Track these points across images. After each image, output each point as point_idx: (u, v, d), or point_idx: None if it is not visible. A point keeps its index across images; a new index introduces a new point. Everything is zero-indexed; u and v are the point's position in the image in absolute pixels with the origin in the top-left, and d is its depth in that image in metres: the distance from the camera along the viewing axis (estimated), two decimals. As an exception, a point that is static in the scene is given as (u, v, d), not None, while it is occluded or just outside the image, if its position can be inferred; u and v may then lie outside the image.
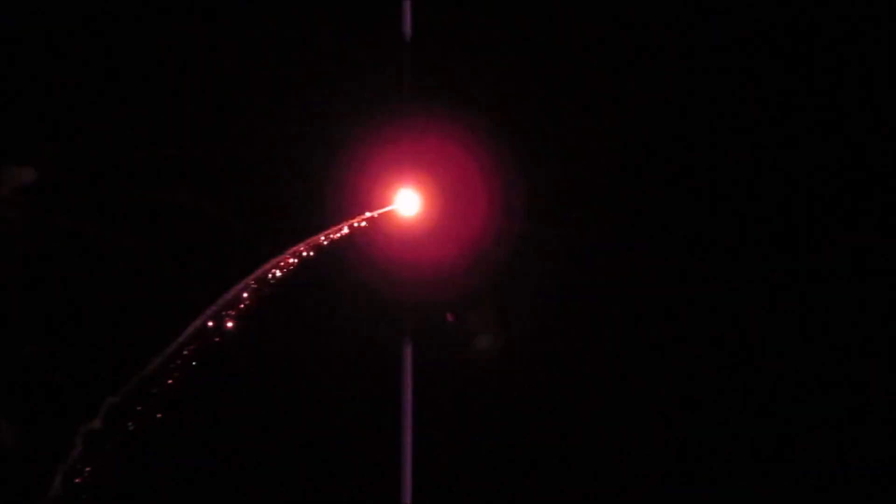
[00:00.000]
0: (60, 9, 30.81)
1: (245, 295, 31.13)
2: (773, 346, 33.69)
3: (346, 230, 32.44)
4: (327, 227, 32.17)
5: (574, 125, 35.04)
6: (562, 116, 35.44)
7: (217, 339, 30.85)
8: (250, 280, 31.30)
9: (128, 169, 31.35)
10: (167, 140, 31.75)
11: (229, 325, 30.85)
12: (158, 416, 30.05)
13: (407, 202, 33.62)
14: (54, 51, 30.81)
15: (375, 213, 32.80)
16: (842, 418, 32.55)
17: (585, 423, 33.36)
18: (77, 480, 29.22)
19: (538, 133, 35.91)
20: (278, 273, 31.66)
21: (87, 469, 29.29)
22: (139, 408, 29.79)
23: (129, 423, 29.63)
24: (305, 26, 32.79)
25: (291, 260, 31.72)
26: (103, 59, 31.03)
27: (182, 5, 31.67)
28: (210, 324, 30.83)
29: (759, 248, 34.21)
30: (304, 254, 31.92)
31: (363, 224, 32.59)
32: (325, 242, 32.20)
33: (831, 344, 33.36)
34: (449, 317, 37.07)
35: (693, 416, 33.24)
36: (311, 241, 32.01)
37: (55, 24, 30.89)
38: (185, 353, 30.41)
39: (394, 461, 33.02)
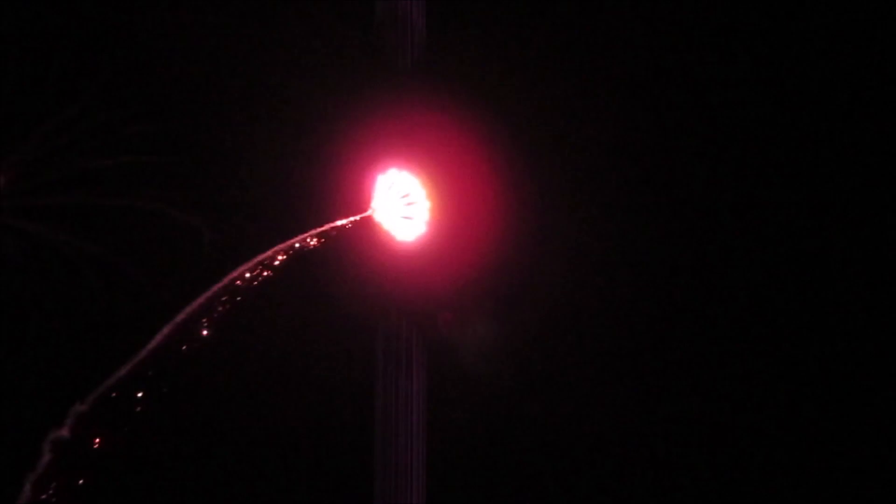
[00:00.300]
0: (24, 17, 30.44)
1: (214, 304, 30.71)
2: (784, 348, 33.56)
3: (318, 236, 31.92)
4: (299, 233, 31.66)
5: (580, 127, 34.81)
6: (566, 118, 35.04)
7: (186, 349, 30.49)
8: (220, 288, 30.86)
9: (95, 175, 30.85)
10: (136, 146, 31.16)
11: (201, 333, 30.59)
12: (126, 429, 29.83)
13: (385, 208, 33.19)
14: (19, 58, 30.44)
15: (349, 220, 32.27)
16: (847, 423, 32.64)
17: (586, 422, 33.68)
18: (43, 497, 29.06)
19: (538, 135, 35.26)
20: (250, 279, 31.22)
21: (54, 485, 29.12)
22: (107, 421, 29.63)
23: (97, 438, 29.53)
24: (281, 29, 32.35)
25: (262, 267, 31.23)
26: (69, 67, 30.45)
27: (149, 10, 31.26)
28: (180, 332, 30.50)
29: (766, 252, 34.08)
30: (276, 261, 31.44)
31: (337, 230, 32.08)
32: (296, 249, 31.68)
33: (837, 346, 33.18)
34: (446, 316, 36.64)
35: (700, 415, 33.32)
36: (282, 247, 31.50)
37: (18, 33, 30.46)
38: (154, 364, 30.10)
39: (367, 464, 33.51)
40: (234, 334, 31.33)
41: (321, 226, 31.91)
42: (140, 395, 30.24)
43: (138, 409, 30.26)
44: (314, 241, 31.85)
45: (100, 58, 30.83)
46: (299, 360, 33.04)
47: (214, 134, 32.02)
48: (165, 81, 31.51)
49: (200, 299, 30.81)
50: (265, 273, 31.34)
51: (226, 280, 30.95)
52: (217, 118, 32.14)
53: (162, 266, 31.61)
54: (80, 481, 29.83)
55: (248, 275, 31.24)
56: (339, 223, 32.23)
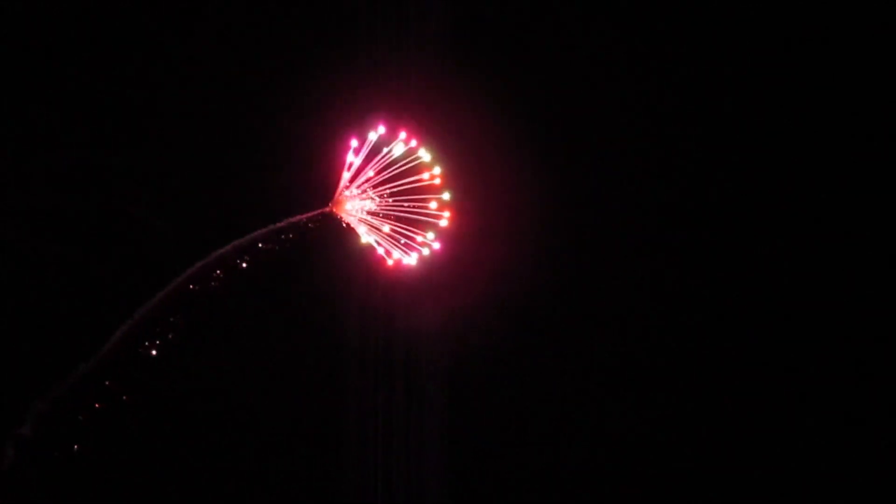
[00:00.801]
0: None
1: (174, 301, 29.74)
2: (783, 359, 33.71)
3: (278, 233, 30.04)
4: (258, 229, 30.09)
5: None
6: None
7: (146, 353, 29.74)
8: (178, 284, 29.92)
9: (53, 175, 30.72)
10: (93, 146, 30.91)
11: (158, 338, 29.62)
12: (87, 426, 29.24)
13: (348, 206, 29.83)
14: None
15: (306, 218, 29.84)
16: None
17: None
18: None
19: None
20: (208, 278, 30.08)
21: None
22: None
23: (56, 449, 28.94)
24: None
25: (219, 269, 29.89)
26: (28, 66, 30.48)
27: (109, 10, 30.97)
28: (140, 330, 29.75)
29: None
30: (235, 263, 29.99)
31: (297, 226, 29.93)
32: (254, 246, 30.08)
33: (824, 357, 33.42)
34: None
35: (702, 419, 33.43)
36: (240, 243, 30.05)
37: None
38: (113, 362, 29.49)
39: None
40: (193, 332, 30.29)
41: (281, 219, 29.87)
42: (98, 394, 29.55)
43: (97, 408, 29.55)
44: (271, 243, 29.86)
45: (60, 56, 30.76)
46: (262, 359, 32.02)
47: (170, 119, 31.21)
48: (118, 78, 31.19)
49: (160, 296, 30.00)
50: (223, 272, 30.00)
51: (184, 276, 29.93)
52: (176, 116, 31.41)
53: (119, 262, 31.26)
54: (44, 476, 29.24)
55: (207, 271, 30.06)
56: (299, 219, 29.98)
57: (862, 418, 32.82)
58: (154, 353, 29.44)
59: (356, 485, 32.12)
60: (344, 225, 29.10)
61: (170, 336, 29.72)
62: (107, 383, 29.11)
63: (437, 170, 28.56)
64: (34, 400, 29.48)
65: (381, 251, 28.74)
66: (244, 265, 28.96)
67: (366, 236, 28.76)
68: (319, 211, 29.39)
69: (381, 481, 32.26)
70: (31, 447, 29.55)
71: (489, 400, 33.05)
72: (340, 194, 29.05)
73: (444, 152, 29.24)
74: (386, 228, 28.62)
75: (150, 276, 30.19)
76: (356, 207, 29.00)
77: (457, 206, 28.88)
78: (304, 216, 29.46)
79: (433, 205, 28.35)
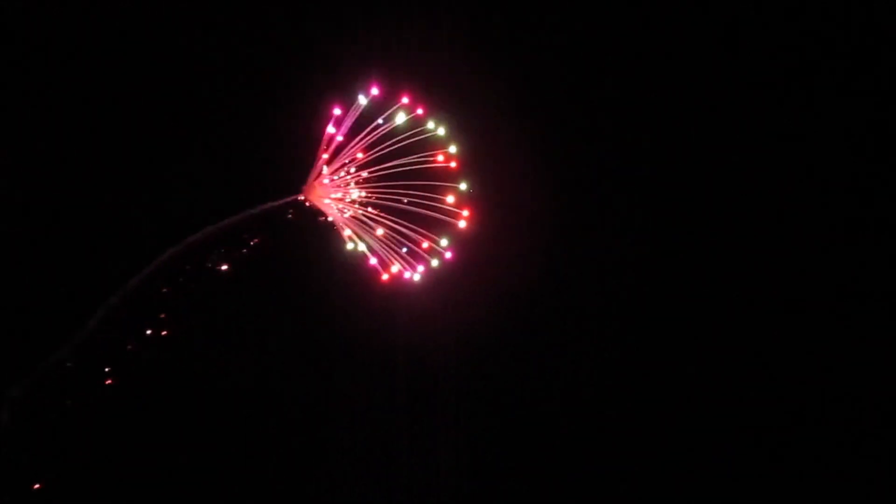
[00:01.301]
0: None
1: (148, 289, 24.77)
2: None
3: (250, 221, 23.83)
4: (228, 216, 24.25)
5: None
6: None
7: (127, 346, 26.11)
8: (151, 271, 24.66)
9: (27, 165, 27.54)
10: (57, 134, 27.41)
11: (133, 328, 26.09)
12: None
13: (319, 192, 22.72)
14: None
15: (281, 203, 23.12)
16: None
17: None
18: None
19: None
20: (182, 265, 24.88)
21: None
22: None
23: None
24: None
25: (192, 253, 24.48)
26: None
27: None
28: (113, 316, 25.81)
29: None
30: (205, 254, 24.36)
31: (266, 218, 23.43)
32: (225, 235, 24.07)
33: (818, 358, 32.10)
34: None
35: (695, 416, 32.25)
36: (212, 230, 24.12)
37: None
38: (88, 348, 25.70)
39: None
40: (167, 319, 27.25)
41: (248, 208, 23.38)
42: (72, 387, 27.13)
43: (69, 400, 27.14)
44: (238, 240, 23.51)
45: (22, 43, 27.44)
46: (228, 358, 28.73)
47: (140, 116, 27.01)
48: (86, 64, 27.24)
49: (134, 281, 25.13)
50: (196, 262, 24.24)
51: (155, 264, 24.65)
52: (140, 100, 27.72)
53: (90, 248, 27.90)
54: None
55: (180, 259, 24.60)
56: (271, 205, 23.24)
57: (859, 417, 32.01)
58: (130, 346, 24.58)
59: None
60: (321, 219, 21.92)
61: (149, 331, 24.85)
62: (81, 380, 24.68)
63: (452, 149, 21.01)
64: (8, 387, 27.27)
65: (374, 261, 21.56)
66: (212, 262, 22.98)
67: (354, 239, 21.55)
68: (290, 199, 22.35)
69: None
70: (8, 433, 26.83)
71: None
72: (316, 178, 21.87)
73: (462, 125, 21.60)
74: (380, 231, 21.33)
75: (123, 264, 26.96)
76: (338, 197, 21.83)
77: (478, 200, 21.22)
78: (272, 205, 22.55)
79: (450, 198, 20.88)
